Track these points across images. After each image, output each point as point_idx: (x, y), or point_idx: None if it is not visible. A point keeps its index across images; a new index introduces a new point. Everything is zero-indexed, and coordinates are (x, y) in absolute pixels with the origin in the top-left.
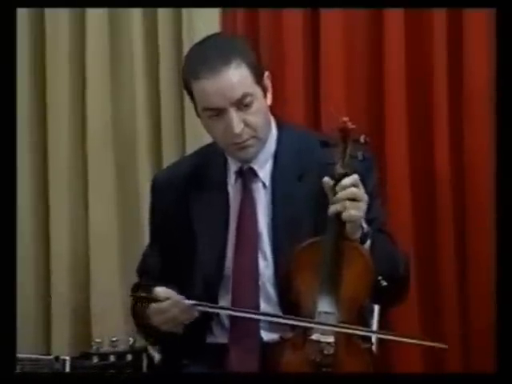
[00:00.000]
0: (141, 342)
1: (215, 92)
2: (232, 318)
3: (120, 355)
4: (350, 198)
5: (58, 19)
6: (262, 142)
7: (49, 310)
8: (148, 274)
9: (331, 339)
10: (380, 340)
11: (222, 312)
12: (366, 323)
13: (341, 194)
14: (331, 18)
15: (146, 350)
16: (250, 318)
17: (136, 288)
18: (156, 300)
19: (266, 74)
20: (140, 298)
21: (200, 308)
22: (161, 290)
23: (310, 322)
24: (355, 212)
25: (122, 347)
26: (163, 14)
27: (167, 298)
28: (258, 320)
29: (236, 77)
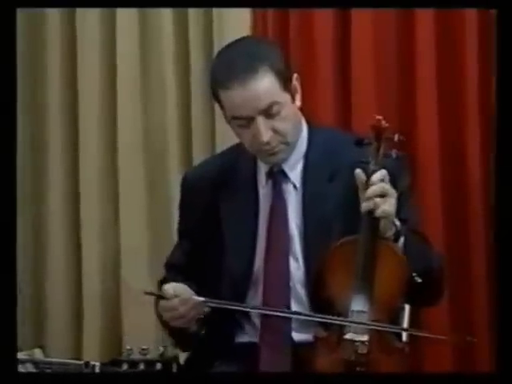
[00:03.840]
0: (171, 351)
1: (242, 102)
2: (263, 318)
3: (150, 363)
4: (381, 194)
5: (88, 22)
6: (292, 146)
7: (80, 317)
8: (174, 268)
9: (365, 338)
10: (411, 339)
11: (235, 308)
12: (398, 323)
13: (371, 191)
14: (362, 17)
15: (176, 358)
16: (280, 318)
17: (161, 282)
18: (165, 297)
19: (295, 76)
20: (150, 294)
21: (211, 304)
22: (169, 287)
23: (341, 321)
24: (387, 207)
25: (152, 355)
26: (193, 14)
27: (176, 296)
28: (289, 319)
29: (263, 87)
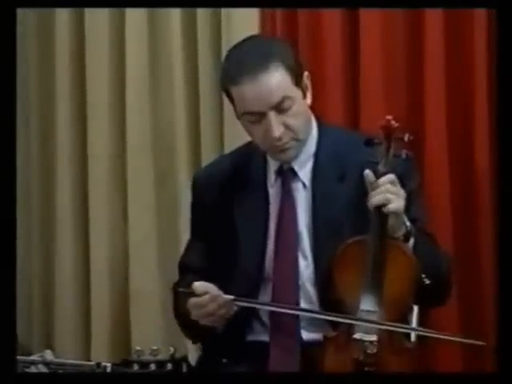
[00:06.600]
0: (181, 352)
1: (254, 97)
2: (272, 317)
3: (160, 364)
4: (390, 190)
5: (97, 22)
6: (302, 143)
7: (88, 317)
8: (189, 269)
9: (374, 338)
10: (420, 340)
11: (262, 307)
12: (406, 323)
13: (381, 187)
14: (370, 17)
15: (186, 358)
16: (290, 317)
17: (176, 285)
18: (195, 294)
19: (306, 74)
20: (179, 292)
21: (239, 303)
22: (199, 285)
23: (351, 319)
24: (396, 205)
25: (162, 356)
26: (202, 14)
27: (206, 293)
28: (298, 318)
29: (274, 81)
